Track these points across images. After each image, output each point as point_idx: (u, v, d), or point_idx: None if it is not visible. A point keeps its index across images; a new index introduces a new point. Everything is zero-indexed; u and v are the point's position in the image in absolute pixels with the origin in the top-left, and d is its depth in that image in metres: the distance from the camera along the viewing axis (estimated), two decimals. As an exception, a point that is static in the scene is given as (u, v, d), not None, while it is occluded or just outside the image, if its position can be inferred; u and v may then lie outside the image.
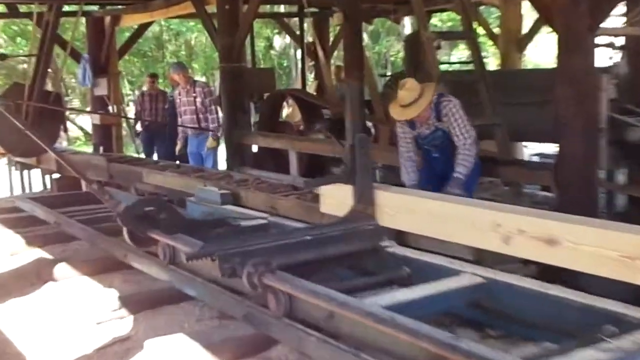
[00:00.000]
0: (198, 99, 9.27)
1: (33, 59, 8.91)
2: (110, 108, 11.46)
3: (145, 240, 4.49)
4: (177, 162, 8.80)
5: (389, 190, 4.43)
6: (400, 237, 4.27)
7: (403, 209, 4.21)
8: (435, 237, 4.07)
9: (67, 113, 15.24)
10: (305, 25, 13.48)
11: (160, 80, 12.86)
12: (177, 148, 9.70)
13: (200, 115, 9.27)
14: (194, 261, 3.80)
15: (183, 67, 9.80)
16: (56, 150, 5.28)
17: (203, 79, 27.05)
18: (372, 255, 4.03)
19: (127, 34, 16.29)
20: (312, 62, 13.67)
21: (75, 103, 25.47)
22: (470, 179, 5.64)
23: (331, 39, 13.60)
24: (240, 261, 3.51)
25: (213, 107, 9.34)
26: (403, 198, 4.28)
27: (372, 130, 9.59)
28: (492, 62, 17.59)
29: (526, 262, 3.72)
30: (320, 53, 12.63)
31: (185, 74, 9.53)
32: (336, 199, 4.56)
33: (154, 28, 21.56)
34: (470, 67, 7.19)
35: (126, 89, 23.22)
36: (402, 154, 5.83)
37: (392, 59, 25.08)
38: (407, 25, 21.46)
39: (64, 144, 14.39)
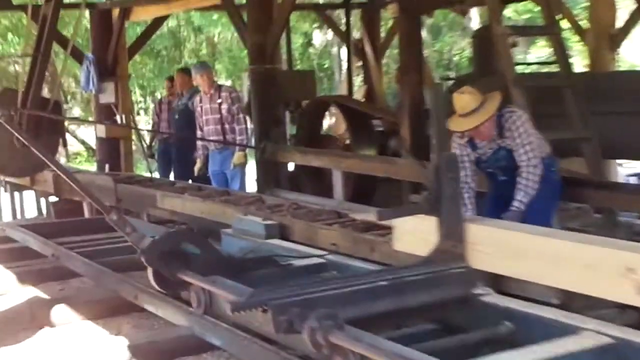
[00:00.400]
0: (224, 106, 9.25)
1: (28, 60, 9.05)
2: (118, 118, 11.59)
3: (174, 284, 4.34)
4: (195, 183, 8.87)
5: (483, 223, 4.28)
6: (499, 282, 4.10)
7: (503, 247, 4.05)
8: (543, 284, 3.91)
9: (67, 124, 15.46)
10: (352, 18, 13.51)
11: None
12: (197, 167, 9.74)
13: (226, 126, 9.27)
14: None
15: (207, 67, 9.83)
16: (65, 170, 5.25)
17: (228, 83, 27.27)
18: (463, 307, 3.86)
19: (139, 30, 16.53)
20: (360, 63, 13.71)
21: (77, 112, 25.84)
22: (546, 204, 5.59)
23: (383, 35, 13.65)
24: (300, 313, 3.36)
25: (241, 116, 9.36)
26: (503, 234, 4.12)
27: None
28: (579, 62, 17.45)
29: (624, 308, 3.65)
30: (370, 52, 12.66)
31: (210, 76, 9.56)
32: (416, 234, 4.38)
33: (171, 22, 21.80)
34: (552, 68, 7.14)
35: (136, 95, 23.51)
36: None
37: (456, 58, 25.05)
38: (475, 17, 21.44)
39: (62, 160, 14.61)
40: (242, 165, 9.40)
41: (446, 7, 13.59)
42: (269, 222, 5.68)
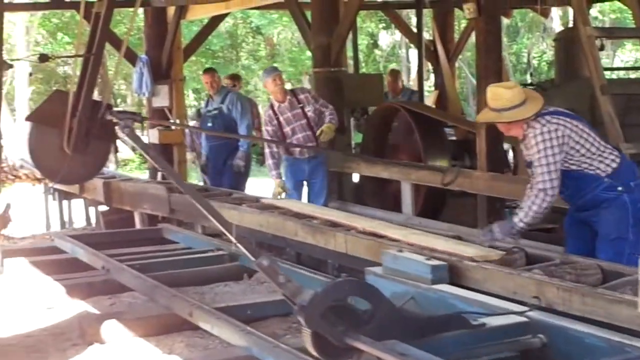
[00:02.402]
0: (308, 108, 8.90)
1: (79, 61, 9.16)
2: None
3: (340, 350, 3.78)
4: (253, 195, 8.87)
5: None
6: None
7: None
8: None
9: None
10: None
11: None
12: (275, 191, 8.93)
13: (316, 129, 8.90)
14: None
15: (279, 71, 9.40)
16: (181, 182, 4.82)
17: (288, 87, 27.38)
18: None
19: (195, 29, 16.70)
20: (431, 67, 13.67)
21: (127, 116, 26.15)
22: (626, 231, 5.46)
23: (456, 36, 13.60)
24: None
25: (329, 107, 8.96)
26: None
27: (510, 154, 9.51)
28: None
29: None
30: (442, 55, 12.62)
31: (282, 80, 9.13)
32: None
33: (228, 21, 21.99)
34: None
35: (189, 99, 23.72)
36: None
37: (535, 62, 24.85)
38: (555, 18, 21.27)
39: (112, 167, 14.82)
40: (330, 137, 8.95)
41: (526, 7, 13.48)
42: (435, 262, 4.98)
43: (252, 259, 3.91)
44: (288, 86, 22.04)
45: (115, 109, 13.25)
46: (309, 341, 3.72)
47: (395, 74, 12.81)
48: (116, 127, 9.49)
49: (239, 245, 4.04)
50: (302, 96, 8.93)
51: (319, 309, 3.68)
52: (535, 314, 4.13)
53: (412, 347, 3.64)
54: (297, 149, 8.90)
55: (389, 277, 4.98)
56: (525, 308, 4.21)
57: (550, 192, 5.32)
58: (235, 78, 12.36)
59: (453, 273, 5.00)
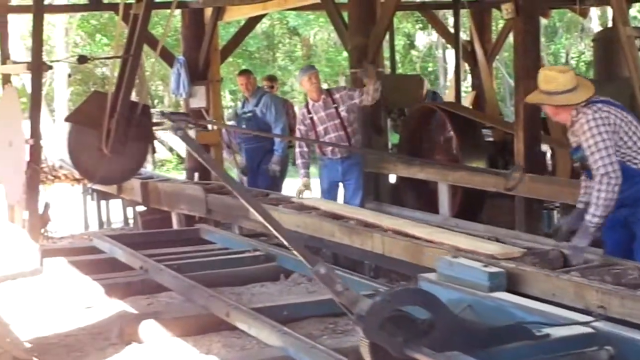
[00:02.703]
0: (342, 108, 8.81)
1: (117, 62, 9.23)
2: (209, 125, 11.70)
3: None
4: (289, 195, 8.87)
5: None
6: None
7: None
8: None
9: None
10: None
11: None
12: (299, 188, 8.83)
13: (349, 129, 8.82)
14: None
15: (316, 70, 9.31)
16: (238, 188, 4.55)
17: (324, 87, 27.30)
18: None
19: (232, 30, 16.76)
20: (468, 67, 13.62)
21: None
22: None
23: (493, 37, 13.54)
24: None
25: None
26: None
27: (549, 155, 9.45)
28: None
29: None
30: (480, 55, 12.56)
31: (319, 79, 9.14)
32: None
33: (264, 22, 22.04)
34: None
35: (226, 99, 23.81)
36: None
37: (574, 62, 24.68)
38: (594, 17, 21.11)
39: (149, 167, 14.90)
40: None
41: (564, 7, 13.39)
42: (494, 269, 4.82)
43: (309, 266, 3.77)
44: (324, 87, 21.97)
45: (152, 109, 13.34)
46: (367, 352, 3.61)
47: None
48: (155, 128, 9.57)
49: (295, 252, 3.90)
50: (337, 95, 8.87)
51: (378, 318, 3.56)
52: (601, 325, 3.95)
53: (475, 359, 3.56)
54: (330, 149, 8.86)
55: (443, 284, 4.79)
56: (590, 318, 4.03)
57: (613, 175, 5.20)
58: (272, 79, 12.39)
59: (511, 279, 4.90)
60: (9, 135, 8.89)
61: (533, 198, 7.53)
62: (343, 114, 8.77)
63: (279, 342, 4.51)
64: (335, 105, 8.79)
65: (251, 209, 4.17)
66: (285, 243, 3.94)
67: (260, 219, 3.96)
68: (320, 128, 8.85)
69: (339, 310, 5.30)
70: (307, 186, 8.60)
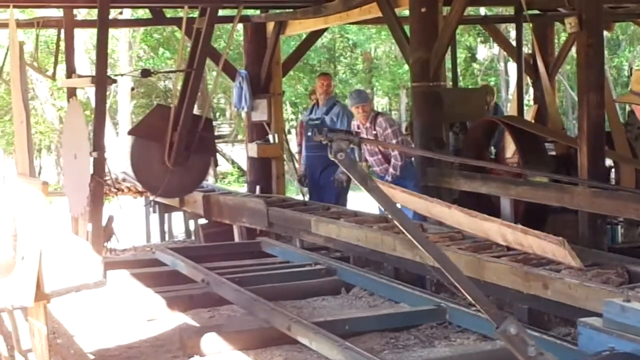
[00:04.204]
0: (380, 134, 9.38)
1: (180, 75, 9.31)
2: (270, 137, 11.76)
3: None
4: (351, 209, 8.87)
5: None
6: None
7: None
8: None
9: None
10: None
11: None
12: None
13: (387, 152, 9.23)
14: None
15: (366, 99, 9.79)
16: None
17: (385, 101, 27.32)
18: None
19: (293, 44, 16.83)
20: (530, 80, 13.50)
21: (224, 129, 26.52)
22: None
23: (556, 50, 13.42)
24: None
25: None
26: None
27: (612, 170, 9.31)
28: None
29: None
30: (542, 68, 12.44)
31: (367, 108, 9.56)
32: None
33: (325, 36, 22.11)
34: None
35: (287, 112, 23.90)
36: None
37: (638, 76, 24.38)
38: (659, 30, 20.81)
39: (211, 180, 15.01)
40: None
41: (628, 20, 13.22)
42: None
43: (494, 324, 3.28)
44: (385, 100, 21.79)
45: (214, 122, 13.42)
46: None
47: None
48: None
49: (482, 310, 3.41)
50: (379, 120, 9.48)
51: None
52: None
53: None
54: (378, 169, 9.45)
55: (613, 331, 4.01)
56: None
57: None
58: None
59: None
60: (74, 148, 9.00)
61: (596, 213, 7.42)
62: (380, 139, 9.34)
63: (340, 356, 4.50)
64: (375, 132, 9.41)
65: (420, 246, 3.54)
66: (473, 301, 3.44)
67: (442, 269, 3.46)
68: (367, 146, 9.48)
69: (400, 324, 5.31)
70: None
